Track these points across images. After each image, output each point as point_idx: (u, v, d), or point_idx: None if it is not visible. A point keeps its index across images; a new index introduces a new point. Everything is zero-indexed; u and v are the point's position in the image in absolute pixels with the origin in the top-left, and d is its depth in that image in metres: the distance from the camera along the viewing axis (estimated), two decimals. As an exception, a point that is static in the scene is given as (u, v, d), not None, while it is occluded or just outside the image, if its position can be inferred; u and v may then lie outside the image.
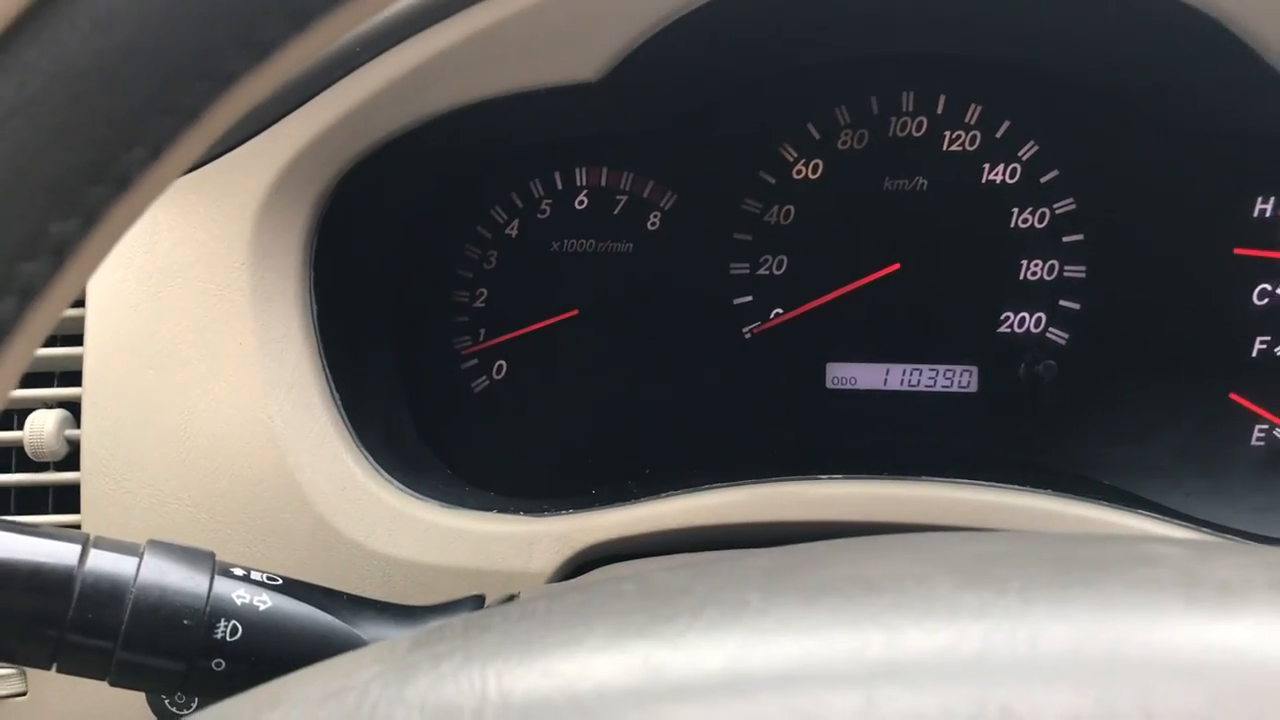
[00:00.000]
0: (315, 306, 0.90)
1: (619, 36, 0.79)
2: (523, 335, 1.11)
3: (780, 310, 1.09)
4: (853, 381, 1.08)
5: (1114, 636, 0.39)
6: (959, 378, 1.07)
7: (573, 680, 0.39)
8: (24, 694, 0.90)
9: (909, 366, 1.07)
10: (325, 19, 0.40)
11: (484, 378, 1.12)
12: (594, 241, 1.11)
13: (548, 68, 0.81)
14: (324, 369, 0.89)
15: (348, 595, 0.71)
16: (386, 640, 0.49)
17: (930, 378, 1.07)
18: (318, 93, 0.83)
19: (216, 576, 0.66)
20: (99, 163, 0.36)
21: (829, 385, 1.09)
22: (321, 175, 0.86)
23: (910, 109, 1.06)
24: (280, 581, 0.69)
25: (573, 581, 0.84)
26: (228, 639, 0.65)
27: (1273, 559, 0.47)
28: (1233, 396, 1.02)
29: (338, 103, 0.82)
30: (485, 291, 1.12)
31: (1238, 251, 1.02)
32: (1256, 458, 1.01)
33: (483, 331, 1.12)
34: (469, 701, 0.39)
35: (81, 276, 0.36)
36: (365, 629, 0.69)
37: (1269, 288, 1.02)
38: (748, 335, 1.10)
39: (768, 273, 1.09)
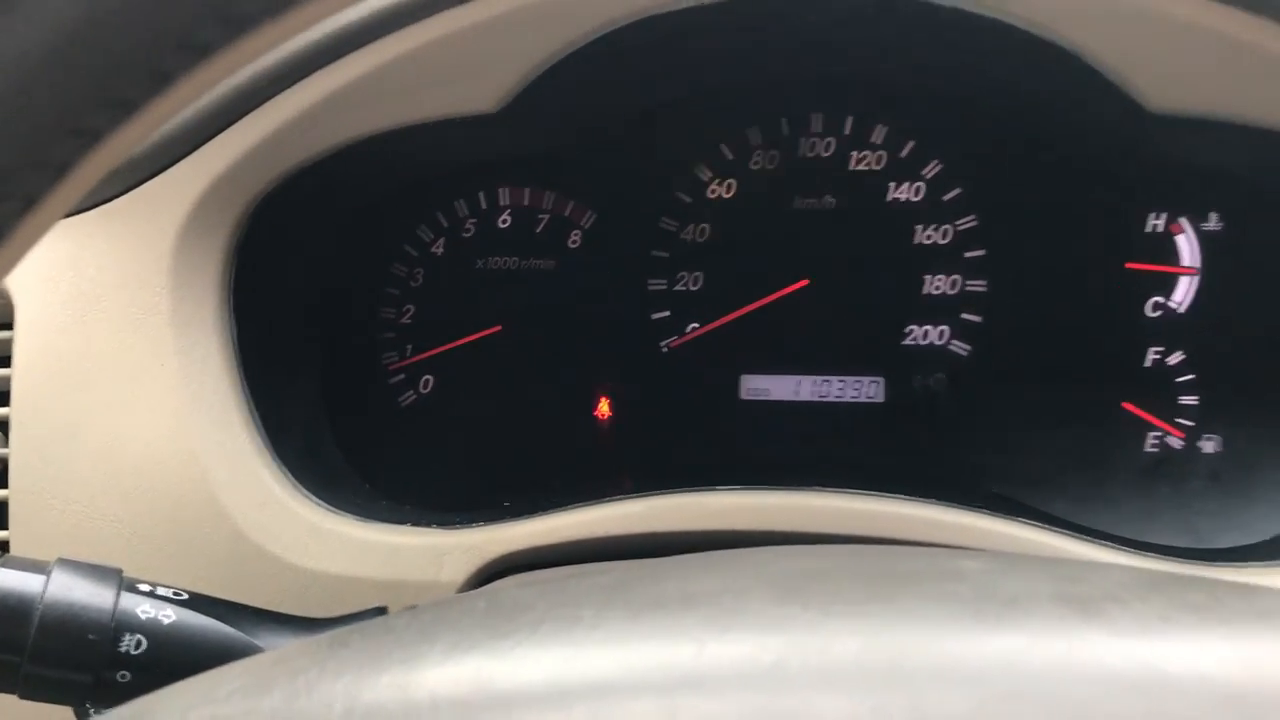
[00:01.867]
0: (235, 328, 0.93)
1: (514, 70, 0.83)
2: (448, 351, 1.14)
3: (696, 325, 1.13)
4: (766, 393, 1.12)
5: (898, 647, 0.43)
6: (867, 388, 1.11)
7: (411, 691, 0.43)
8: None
9: (819, 378, 1.12)
10: (186, 79, 0.44)
11: (411, 392, 1.15)
12: (517, 259, 1.14)
13: (447, 100, 0.85)
14: (244, 389, 0.92)
15: (252, 608, 0.75)
16: (255, 656, 0.52)
17: (840, 389, 1.11)
18: (231, 124, 0.86)
19: (123, 592, 0.70)
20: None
21: (743, 396, 1.13)
22: (236, 202, 0.89)
23: (819, 130, 1.10)
24: (186, 596, 0.72)
25: (443, 597, 0.88)
26: (132, 652, 0.68)
27: (1065, 572, 0.51)
28: (1126, 405, 1.07)
29: (247, 135, 0.85)
30: (412, 308, 1.15)
31: (1129, 266, 1.06)
32: (1148, 465, 1.05)
33: (410, 347, 1.15)
34: (318, 711, 0.42)
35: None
36: (266, 640, 0.72)
37: (1161, 300, 1.07)
38: (665, 349, 1.13)
39: (684, 289, 1.13)
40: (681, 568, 0.52)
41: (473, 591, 0.87)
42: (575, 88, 0.89)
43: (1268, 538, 0.94)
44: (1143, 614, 0.45)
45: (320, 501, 0.92)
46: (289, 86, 0.84)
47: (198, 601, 0.73)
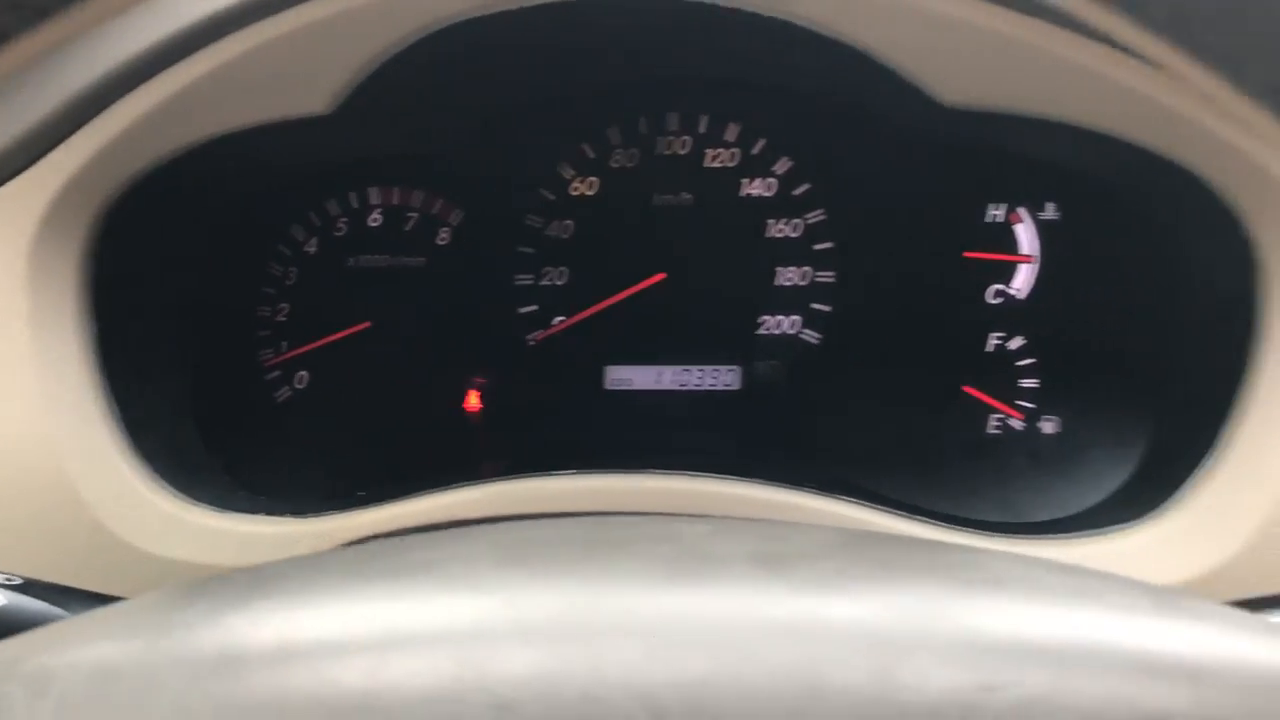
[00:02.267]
0: (95, 327, 0.96)
1: (343, 72, 0.86)
2: (322, 346, 1.17)
3: (561, 318, 1.17)
4: (629, 383, 1.17)
5: (592, 603, 0.47)
6: (724, 377, 1.15)
7: (155, 648, 0.47)
8: None
9: (680, 368, 1.16)
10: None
11: (286, 388, 1.18)
12: (388, 257, 1.17)
13: (282, 102, 0.88)
14: (104, 385, 0.95)
15: (88, 593, 0.78)
16: (59, 621, 0.56)
17: (699, 377, 1.16)
18: (77, 129, 0.89)
19: (-47, 579, 0.73)
20: None
21: (607, 387, 1.17)
22: (88, 205, 0.92)
23: (675, 129, 1.15)
24: (19, 581, 0.76)
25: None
26: (-39, 635, 0.72)
27: (772, 534, 0.55)
28: (967, 389, 1.11)
29: (93, 139, 0.87)
30: (286, 306, 1.18)
31: (966, 255, 1.11)
32: (980, 446, 1.10)
33: (285, 344, 1.18)
34: (63, 671, 0.46)
35: None
36: (97, 623, 0.75)
37: (1002, 287, 1.12)
38: (531, 342, 1.17)
39: (550, 283, 1.17)
40: (430, 539, 0.56)
41: (252, 565, 0.90)
42: (409, 89, 0.92)
43: (1078, 512, 0.98)
44: (824, 570, 0.50)
45: (178, 493, 0.95)
46: (130, 91, 0.87)
47: (32, 587, 0.76)
